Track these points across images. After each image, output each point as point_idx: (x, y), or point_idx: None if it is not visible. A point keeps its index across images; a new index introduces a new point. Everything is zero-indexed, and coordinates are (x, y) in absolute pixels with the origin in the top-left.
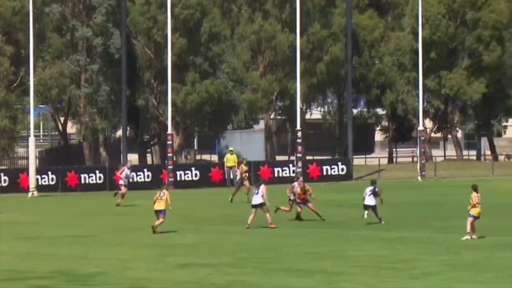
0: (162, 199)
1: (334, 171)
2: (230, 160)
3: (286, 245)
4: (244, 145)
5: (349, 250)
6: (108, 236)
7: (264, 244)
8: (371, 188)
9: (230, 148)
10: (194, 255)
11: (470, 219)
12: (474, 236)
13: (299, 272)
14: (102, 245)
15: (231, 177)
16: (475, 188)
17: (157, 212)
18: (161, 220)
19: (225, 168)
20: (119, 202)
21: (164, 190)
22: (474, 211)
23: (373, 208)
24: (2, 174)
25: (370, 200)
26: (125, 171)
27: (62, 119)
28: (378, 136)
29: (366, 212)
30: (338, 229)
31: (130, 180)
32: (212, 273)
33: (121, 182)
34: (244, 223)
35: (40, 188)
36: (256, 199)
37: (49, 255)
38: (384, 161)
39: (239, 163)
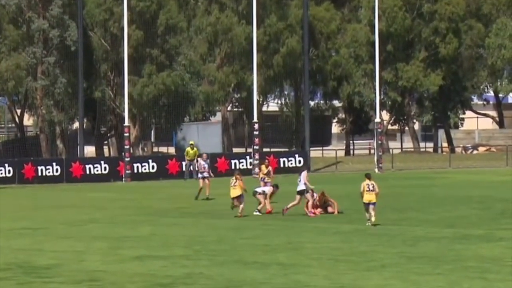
0: (235, 185)
1: (291, 163)
2: (190, 154)
3: (241, 237)
4: (201, 137)
5: (305, 243)
6: (63, 229)
7: (219, 236)
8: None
9: (191, 142)
10: (149, 247)
11: (371, 207)
12: (369, 222)
13: (255, 264)
14: (56, 238)
15: (191, 169)
16: (368, 176)
17: (234, 199)
18: (241, 206)
19: (186, 161)
20: (207, 194)
21: (237, 176)
22: (364, 198)
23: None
24: None
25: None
26: (202, 162)
27: (18, 111)
28: (335, 128)
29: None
30: (294, 221)
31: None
32: (168, 265)
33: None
34: (199, 215)
35: None
36: (300, 186)
37: (3, 247)
38: (341, 153)
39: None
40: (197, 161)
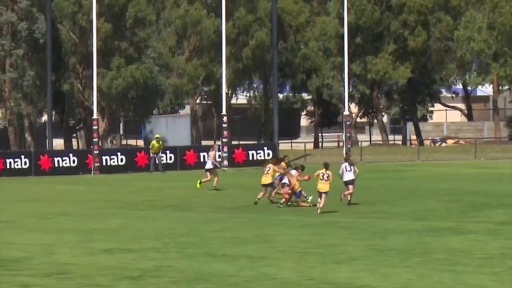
0: (268, 173)
1: (260, 156)
2: (155, 147)
3: (210, 230)
4: (170, 130)
5: (273, 235)
6: (32, 222)
7: (188, 229)
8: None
9: (156, 135)
10: (119, 240)
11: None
12: (318, 210)
13: (224, 257)
14: (26, 231)
15: (156, 162)
16: (326, 166)
17: (265, 186)
18: (274, 191)
19: (150, 154)
20: (215, 184)
21: (270, 165)
22: (318, 187)
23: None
24: None
25: (349, 176)
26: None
27: None
28: (304, 121)
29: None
30: (262, 214)
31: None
32: (137, 258)
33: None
34: (168, 207)
35: None
36: (349, 175)
37: None
38: (310, 146)
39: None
40: (162, 154)
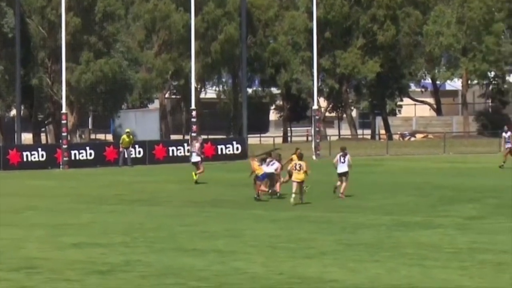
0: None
1: (229, 150)
2: (126, 141)
3: (179, 224)
4: (139, 125)
5: (243, 230)
6: (1, 216)
7: (157, 223)
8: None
9: (127, 130)
10: (88, 234)
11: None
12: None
13: (193, 251)
14: None
15: (125, 156)
16: (299, 156)
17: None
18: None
19: (120, 148)
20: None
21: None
22: (293, 177)
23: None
24: None
25: (343, 167)
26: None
27: None
28: (273, 116)
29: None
30: (232, 208)
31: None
32: (106, 252)
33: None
34: (137, 202)
35: None
36: (343, 167)
37: None
38: (279, 140)
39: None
40: (132, 148)
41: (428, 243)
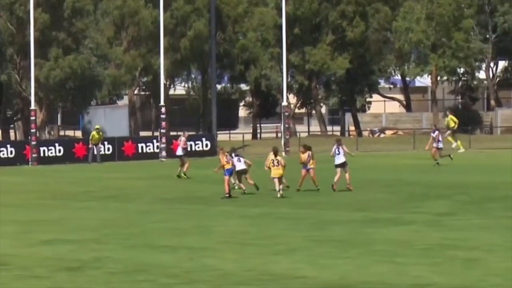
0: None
1: (198, 147)
2: (95, 138)
3: (150, 221)
4: (108, 121)
5: (213, 226)
6: None
7: (127, 220)
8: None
9: (97, 126)
10: (58, 231)
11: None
12: (278, 194)
13: (163, 248)
14: None
15: (95, 153)
16: (274, 152)
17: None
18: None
19: (90, 144)
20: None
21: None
22: (272, 173)
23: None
24: None
25: (340, 159)
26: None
27: None
28: (242, 112)
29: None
30: (201, 204)
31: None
32: (76, 249)
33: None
34: (107, 198)
35: None
36: (340, 158)
37: None
38: (248, 136)
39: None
40: (101, 145)
41: (399, 239)
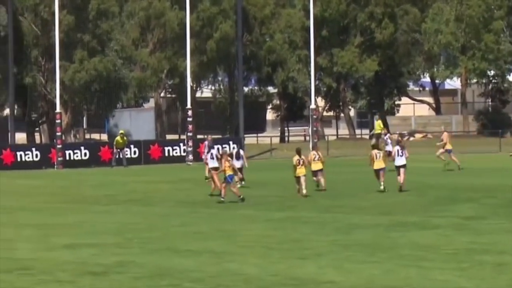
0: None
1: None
2: (119, 143)
3: (173, 225)
4: (134, 124)
5: (236, 230)
6: None
7: (150, 223)
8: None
9: (121, 131)
10: (79, 235)
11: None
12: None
13: (187, 252)
14: None
15: (120, 157)
16: (298, 152)
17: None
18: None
19: (114, 149)
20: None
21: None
22: (297, 172)
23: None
24: None
25: (401, 160)
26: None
27: None
28: (270, 115)
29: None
30: (225, 209)
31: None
32: (99, 253)
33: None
34: (133, 202)
35: None
36: (401, 160)
37: None
38: (276, 140)
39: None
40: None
41: (426, 243)
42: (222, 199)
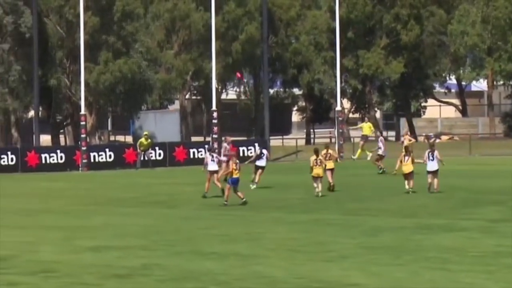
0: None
1: (251, 152)
2: (144, 144)
3: (197, 227)
4: (159, 126)
5: (262, 233)
6: (16, 218)
7: (175, 226)
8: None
9: (145, 133)
10: (104, 237)
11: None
12: (317, 193)
13: (212, 255)
14: (9, 228)
15: (145, 158)
16: (316, 152)
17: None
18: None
19: (138, 151)
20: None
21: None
22: (314, 172)
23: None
24: None
25: (432, 165)
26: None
27: None
28: (295, 117)
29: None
30: (250, 211)
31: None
32: (124, 256)
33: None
34: (158, 204)
35: None
36: (432, 165)
37: None
38: (302, 142)
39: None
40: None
41: (452, 246)
42: (225, 202)
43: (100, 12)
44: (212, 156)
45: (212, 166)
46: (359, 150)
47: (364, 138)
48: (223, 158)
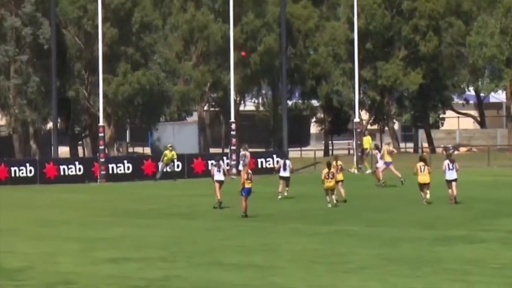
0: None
1: (269, 164)
2: (168, 156)
3: (215, 239)
4: (177, 138)
5: (281, 244)
6: (34, 230)
7: (194, 237)
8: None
9: (169, 145)
10: (123, 249)
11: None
12: (329, 204)
13: (232, 266)
14: (28, 239)
15: (167, 170)
16: (328, 166)
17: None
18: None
19: (161, 162)
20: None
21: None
22: (325, 185)
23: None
24: None
25: (452, 175)
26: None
27: None
28: (314, 128)
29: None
30: (269, 222)
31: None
32: (143, 267)
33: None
34: (176, 215)
35: None
36: (452, 174)
37: None
38: (320, 153)
39: None
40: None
41: (471, 258)
42: (243, 214)
43: (119, 23)
44: (219, 167)
45: (219, 176)
46: (365, 163)
47: (364, 151)
48: (240, 167)
